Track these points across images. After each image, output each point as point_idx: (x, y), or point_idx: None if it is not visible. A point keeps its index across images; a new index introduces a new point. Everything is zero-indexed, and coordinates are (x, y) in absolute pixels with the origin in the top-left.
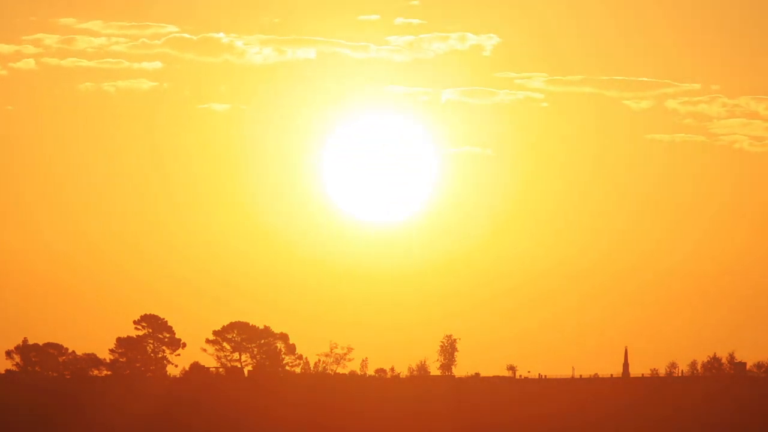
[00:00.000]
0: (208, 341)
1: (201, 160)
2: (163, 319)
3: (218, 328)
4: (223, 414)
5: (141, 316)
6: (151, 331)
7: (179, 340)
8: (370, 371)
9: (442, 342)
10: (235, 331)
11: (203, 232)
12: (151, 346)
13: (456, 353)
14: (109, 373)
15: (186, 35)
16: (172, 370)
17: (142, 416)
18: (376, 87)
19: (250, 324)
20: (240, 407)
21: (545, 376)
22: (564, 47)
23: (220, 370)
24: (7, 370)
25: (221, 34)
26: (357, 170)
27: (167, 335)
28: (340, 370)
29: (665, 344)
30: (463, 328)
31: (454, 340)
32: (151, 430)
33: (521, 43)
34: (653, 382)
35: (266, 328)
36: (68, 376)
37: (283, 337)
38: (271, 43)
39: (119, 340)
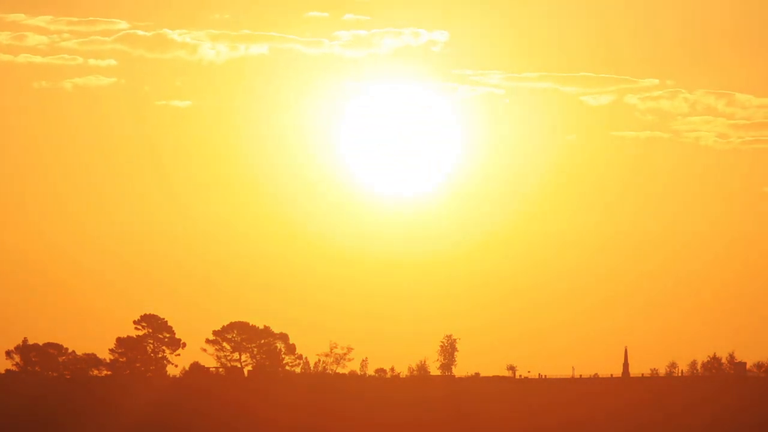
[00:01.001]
0: (208, 341)
1: (196, 157)
2: (163, 319)
3: (218, 328)
4: (222, 414)
5: (141, 316)
6: (151, 331)
7: (179, 340)
8: (370, 371)
9: (442, 342)
10: (235, 331)
11: (203, 231)
12: (151, 346)
13: (456, 353)
14: (109, 373)
15: (139, 32)
16: (172, 370)
17: (142, 416)
18: (333, 83)
19: (250, 324)
20: (240, 407)
21: (545, 376)
22: (517, 44)
23: (220, 370)
24: (7, 370)
25: (173, 31)
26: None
27: (167, 335)
28: (340, 370)
29: (665, 344)
30: (463, 328)
31: (454, 340)
32: (151, 430)
33: (472, 40)
34: (653, 382)
35: (266, 328)
36: (68, 376)
37: (283, 337)
38: (223, 39)
39: (119, 340)
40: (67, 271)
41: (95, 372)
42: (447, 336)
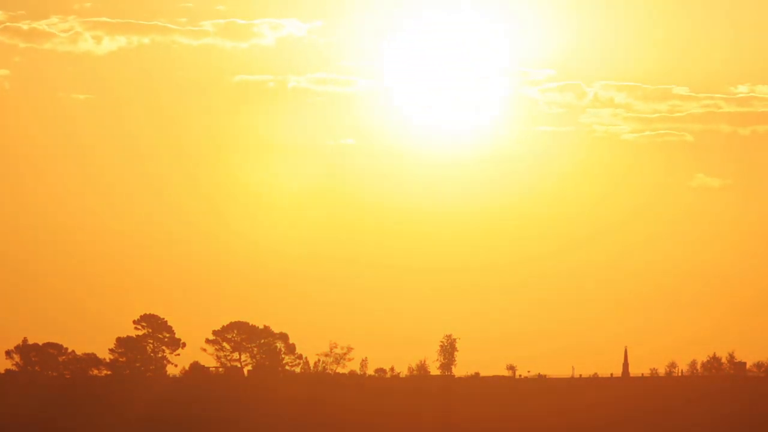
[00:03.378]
0: (207, 341)
1: (204, 156)
2: (163, 319)
3: (218, 327)
4: (222, 414)
5: (141, 316)
6: (151, 330)
7: (179, 339)
8: (370, 371)
9: (442, 342)
10: (235, 331)
11: (202, 231)
12: (151, 346)
13: (456, 353)
14: (109, 373)
15: (20, 25)
16: (172, 370)
17: (142, 416)
18: (222, 75)
19: (250, 324)
20: (240, 407)
21: (545, 376)
22: (398, 35)
23: (220, 369)
24: (7, 370)
25: (48, 20)
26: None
27: (167, 335)
28: (339, 370)
29: (665, 344)
30: (463, 328)
31: (454, 339)
32: (151, 430)
33: (351, 31)
34: (653, 382)
35: (266, 328)
36: (68, 376)
37: (283, 336)
38: (102, 28)
39: (119, 340)
40: (67, 271)
41: (95, 372)
42: (447, 336)
